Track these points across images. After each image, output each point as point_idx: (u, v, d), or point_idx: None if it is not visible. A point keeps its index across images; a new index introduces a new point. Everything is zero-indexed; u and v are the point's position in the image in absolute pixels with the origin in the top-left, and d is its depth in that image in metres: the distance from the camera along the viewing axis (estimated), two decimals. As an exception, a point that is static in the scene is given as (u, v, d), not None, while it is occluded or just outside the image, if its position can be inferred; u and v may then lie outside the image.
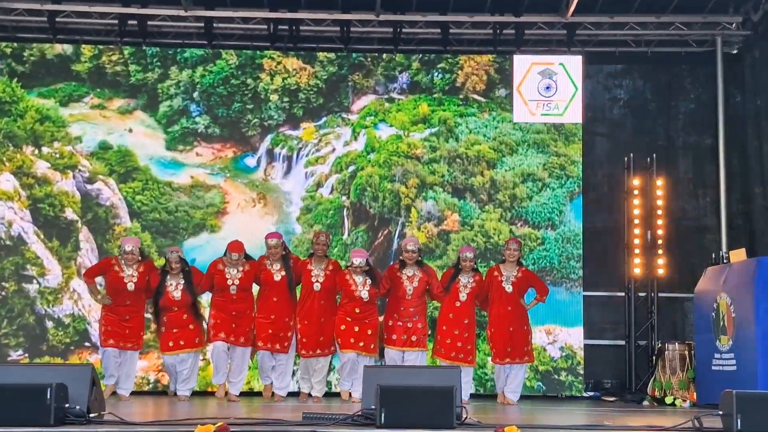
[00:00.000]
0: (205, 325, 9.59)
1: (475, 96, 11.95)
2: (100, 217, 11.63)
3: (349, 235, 11.71)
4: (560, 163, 11.81)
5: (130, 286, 9.34)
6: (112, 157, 11.71)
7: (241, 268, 9.46)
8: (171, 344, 9.40)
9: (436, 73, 12.00)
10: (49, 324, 11.31)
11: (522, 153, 11.87)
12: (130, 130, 11.79)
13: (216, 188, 11.80)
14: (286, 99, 11.88)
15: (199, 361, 9.83)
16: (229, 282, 9.40)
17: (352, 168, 11.85)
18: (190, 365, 9.47)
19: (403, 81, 12.03)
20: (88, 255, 11.47)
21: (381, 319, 9.76)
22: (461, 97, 11.95)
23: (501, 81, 11.91)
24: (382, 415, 5.75)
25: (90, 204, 11.63)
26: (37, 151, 11.66)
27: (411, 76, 12.03)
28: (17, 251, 11.46)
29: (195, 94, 11.90)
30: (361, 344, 9.48)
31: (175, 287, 9.38)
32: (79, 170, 11.68)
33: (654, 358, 10.60)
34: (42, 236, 11.49)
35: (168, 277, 9.40)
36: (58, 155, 11.66)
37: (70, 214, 11.57)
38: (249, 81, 11.90)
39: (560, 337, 11.50)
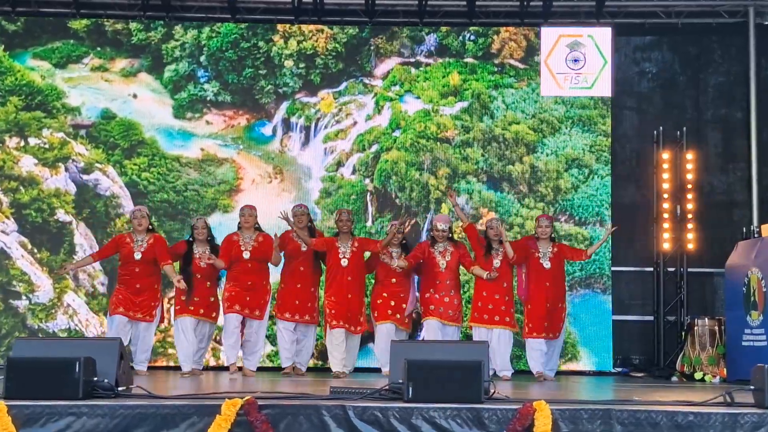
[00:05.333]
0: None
1: (512, 62, 11.74)
2: (99, 211, 11.32)
3: (373, 222, 11.45)
4: (608, 144, 11.58)
5: (137, 255, 9.62)
6: (115, 128, 11.42)
7: (254, 236, 9.73)
8: (191, 308, 9.62)
9: (468, 35, 11.74)
10: (44, 339, 11.11)
11: (565, 132, 11.56)
12: (135, 96, 11.54)
13: (228, 162, 11.50)
14: (302, 65, 11.62)
15: (212, 336, 10.05)
16: (242, 249, 9.63)
17: (375, 147, 11.54)
18: (201, 334, 9.73)
19: (431, 44, 11.75)
20: (85, 255, 10.95)
21: None
22: (496, 63, 11.71)
23: (540, 48, 11.70)
24: (410, 389, 6.01)
25: (87, 197, 11.33)
26: (22, 143, 11.27)
27: (439, 39, 11.76)
28: (0, 267, 11.13)
29: (202, 59, 11.63)
30: (398, 316, 9.78)
31: (200, 256, 9.71)
32: (73, 160, 11.32)
33: (683, 333, 10.89)
34: (29, 247, 11.17)
35: (195, 245, 9.74)
36: (47, 146, 11.26)
37: (62, 215, 11.24)
38: (261, 44, 11.63)
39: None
